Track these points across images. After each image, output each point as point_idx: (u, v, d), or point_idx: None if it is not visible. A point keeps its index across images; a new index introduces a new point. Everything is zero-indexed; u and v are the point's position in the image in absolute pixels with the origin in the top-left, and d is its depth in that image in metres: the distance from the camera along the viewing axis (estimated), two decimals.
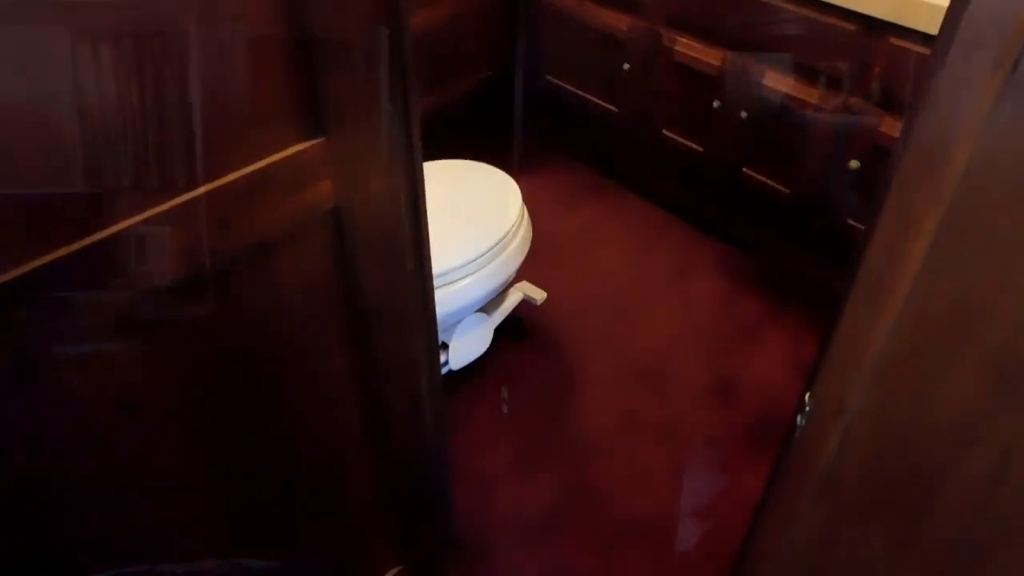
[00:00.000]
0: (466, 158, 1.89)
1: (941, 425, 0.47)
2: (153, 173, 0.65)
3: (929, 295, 0.44)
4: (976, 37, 0.35)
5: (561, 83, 2.34)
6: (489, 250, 1.50)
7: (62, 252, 0.61)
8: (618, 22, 2.05)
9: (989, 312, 0.42)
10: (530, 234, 1.65)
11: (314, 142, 0.74)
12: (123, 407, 0.74)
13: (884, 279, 0.45)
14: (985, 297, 0.42)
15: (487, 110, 2.56)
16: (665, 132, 2.12)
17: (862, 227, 1.75)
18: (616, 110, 2.21)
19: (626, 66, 2.09)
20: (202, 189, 0.68)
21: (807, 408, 0.58)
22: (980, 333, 0.44)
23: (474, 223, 1.54)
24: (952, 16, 0.36)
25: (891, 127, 1.62)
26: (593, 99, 2.27)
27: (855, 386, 0.51)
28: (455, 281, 1.48)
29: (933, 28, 1.46)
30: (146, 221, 0.66)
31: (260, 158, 0.71)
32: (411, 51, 0.78)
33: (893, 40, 1.54)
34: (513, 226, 1.56)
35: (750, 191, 2.00)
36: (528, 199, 1.65)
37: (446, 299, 1.47)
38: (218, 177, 0.69)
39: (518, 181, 1.67)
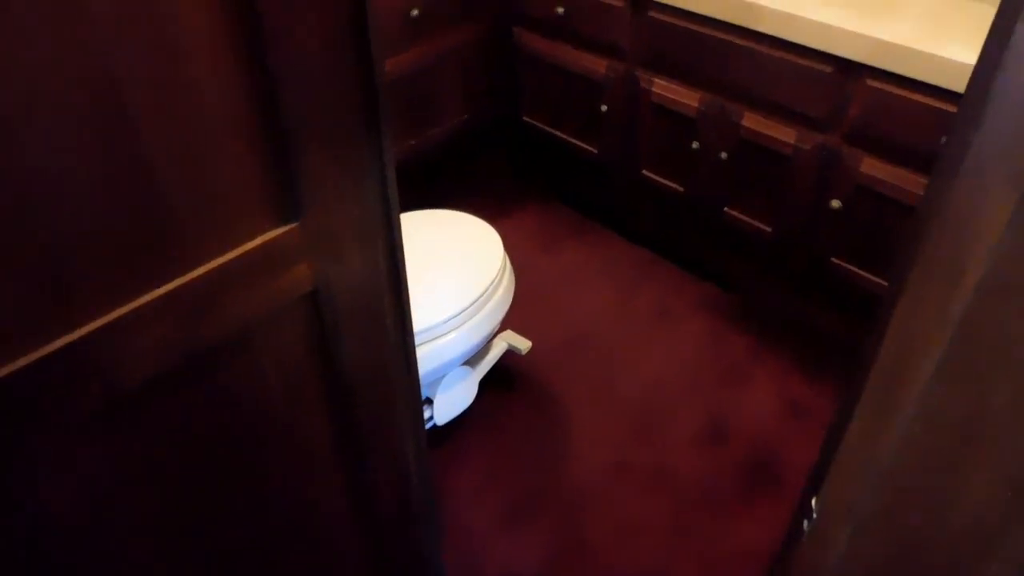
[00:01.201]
0: (444, 202, 1.87)
1: (953, 536, 0.45)
2: (121, 270, 0.62)
3: (941, 407, 0.42)
4: (989, 160, 0.33)
5: (540, 124, 2.33)
6: (472, 303, 1.48)
7: (31, 358, 0.58)
8: (595, 65, 2.05)
9: (1004, 425, 0.41)
10: (513, 284, 1.62)
11: (289, 227, 0.71)
12: (98, 504, 0.70)
13: (892, 390, 0.43)
14: (1000, 410, 0.40)
15: (465, 153, 2.54)
16: (645, 172, 2.11)
17: (847, 268, 1.75)
18: (596, 151, 2.21)
19: (604, 108, 2.08)
20: (174, 283, 0.65)
21: (814, 513, 0.55)
22: (995, 445, 0.42)
23: (456, 276, 1.51)
24: (961, 134, 0.35)
25: (871, 167, 1.62)
26: (572, 140, 2.26)
27: (863, 493, 0.48)
28: (439, 337, 1.45)
29: (908, 70, 1.47)
30: (116, 320, 0.62)
31: (233, 248, 0.68)
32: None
33: (869, 82, 1.55)
34: (496, 277, 1.53)
35: (732, 230, 2.00)
36: (509, 240, 1.63)
37: (430, 355, 1.44)
38: (190, 270, 0.66)
39: (498, 222, 1.65)
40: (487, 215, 2.38)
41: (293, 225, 0.71)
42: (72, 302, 0.60)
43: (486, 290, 1.50)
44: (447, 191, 2.50)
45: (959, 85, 1.41)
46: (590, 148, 2.22)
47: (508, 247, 1.62)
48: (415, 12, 2.00)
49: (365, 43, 0.70)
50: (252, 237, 0.69)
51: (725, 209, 1.97)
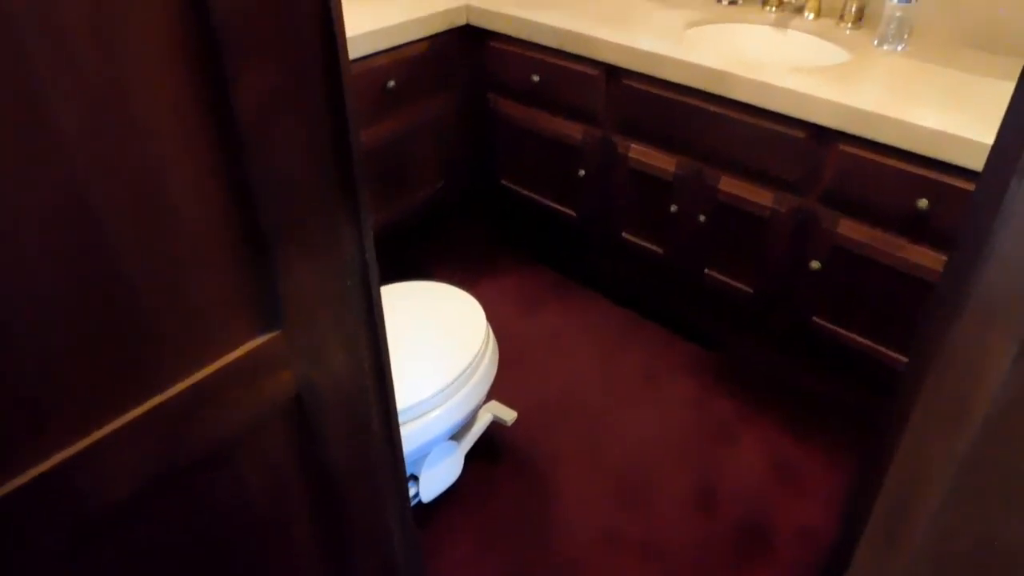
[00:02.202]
0: (425, 268, 1.86)
1: None
2: (98, 392, 0.60)
3: (950, 535, 0.41)
4: (992, 303, 0.33)
5: (518, 188, 2.35)
6: (457, 378, 1.46)
7: (6, 489, 0.56)
8: (571, 130, 2.07)
9: (1017, 552, 0.40)
10: (497, 355, 1.61)
11: (271, 335, 0.70)
12: None
13: (898, 523, 0.42)
14: (1012, 538, 0.39)
15: (444, 218, 2.55)
16: (625, 235, 2.12)
17: (829, 327, 1.76)
18: (575, 214, 2.22)
19: (582, 172, 2.10)
20: (152, 402, 0.63)
21: None
22: (1009, 572, 0.40)
23: (439, 350, 1.50)
24: (959, 279, 0.34)
25: (848, 229, 1.64)
26: (551, 204, 2.27)
27: None
28: (424, 414, 1.42)
29: (878, 136, 1.49)
30: (92, 445, 0.60)
31: (214, 361, 0.67)
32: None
33: (842, 146, 1.57)
34: (480, 350, 1.52)
35: (714, 291, 2.00)
36: (491, 303, 1.62)
37: (415, 434, 1.42)
38: (170, 387, 0.64)
39: (479, 286, 1.64)
40: (468, 279, 2.38)
41: (275, 333, 0.70)
42: (46, 429, 0.58)
43: (470, 364, 1.49)
44: (427, 257, 2.49)
45: (928, 149, 1.44)
46: (569, 211, 2.23)
47: (490, 311, 1.61)
48: (391, 83, 2.01)
49: (346, 147, 0.70)
50: (233, 348, 0.68)
51: (706, 271, 1.98)
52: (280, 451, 0.78)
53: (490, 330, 1.60)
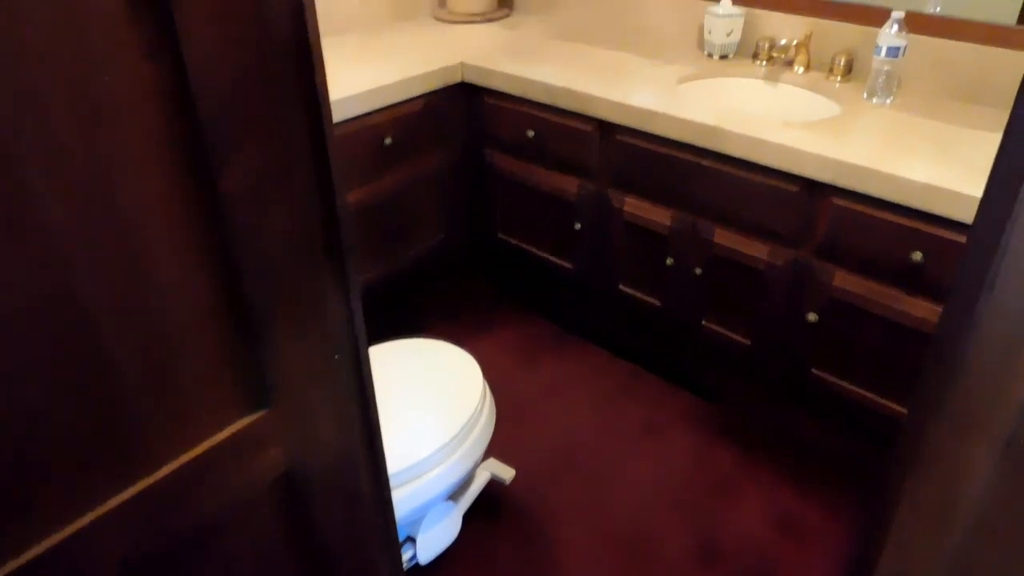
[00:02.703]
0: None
1: None
2: (83, 478, 0.59)
3: None
4: (970, 409, 0.33)
5: (515, 242, 2.36)
6: (453, 438, 1.44)
7: None
8: (567, 184, 2.09)
9: None
10: (494, 413, 1.60)
11: (259, 414, 0.70)
12: None
13: None
14: None
15: (441, 271, 2.56)
16: (622, 287, 2.12)
17: (828, 378, 1.75)
18: (571, 267, 2.22)
19: (578, 225, 2.11)
20: (139, 486, 0.63)
21: None
22: None
23: (435, 409, 1.49)
24: (937, 381, 0.34)
25: (844, 281, 1.64)
26: (548, 257, 2.28)
27: None
28: (420, 476, 1.41)
29: (870, 189, 1.50)
30: (77, 532, 0.59)
31: (202, 441, 0.66)
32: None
33: (836, 200, 1.58)
34: (476, 408, 1.51)
35: (712, 342, 2.00)
36: (489, 356, 1.62)
37: (411, 495, 1.40)
38: (157, 470, 0.64)
39: (477, 338, 1.63)
40: (466, 332, 2.38)
41: (263, 412, 0.70)
42: (29, 518, 0.57)
43: (467, 423, 1.48)
44: (426, 310, 2.49)
45: (919, 203, 1.45)
46: (566, 264, 2.24)
47: (488, 364, 1.60)
48: (388, 140, 2.04)
49: (334, 223, 0.70)
50: (221, 428, 0.67)
51: (703, 322, 1.98)
52: (269, 529, 0.77)
53: (487, 387, 1.59)
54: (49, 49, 0.47)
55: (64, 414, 0.57)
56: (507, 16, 2.64)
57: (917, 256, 1.49)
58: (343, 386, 0.78)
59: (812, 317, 1.72)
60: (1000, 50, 1.74)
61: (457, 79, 2.17)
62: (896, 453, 0.45)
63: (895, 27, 1.76)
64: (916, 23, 1.82)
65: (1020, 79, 0.54)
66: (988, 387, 0.32)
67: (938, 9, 1.83)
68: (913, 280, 1.54)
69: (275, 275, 0.66)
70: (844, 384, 1.76)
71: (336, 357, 0.76)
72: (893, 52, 1.78)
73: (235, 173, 0.59)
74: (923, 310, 1.54)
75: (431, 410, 1.49)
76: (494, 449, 1.82)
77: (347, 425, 0.80)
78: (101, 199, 0.53)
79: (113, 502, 0.61)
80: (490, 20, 2.57)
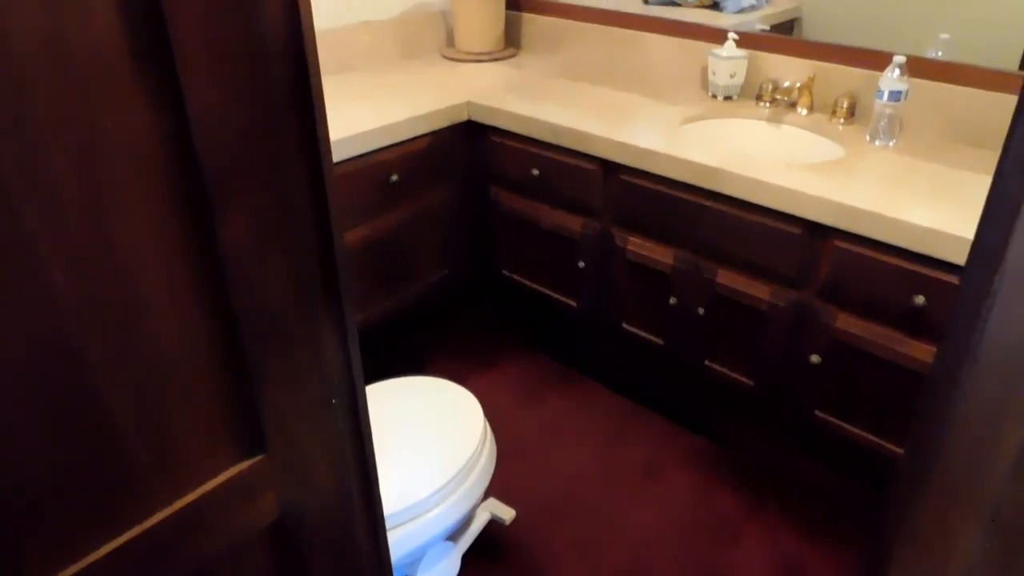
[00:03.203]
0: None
1: None
2: (75, 526, 0.59)
3: None
4: (954, 484, 0.33)
5: (519, 278, 2.36)
6: (453, 478, 1.44)
7: None
8: (570, 223, 2.10)
9: None
10: (495, 452, 1.59)
11: (254, 460, 0.70)
12: None
13: None
14: None
15: (445, 307, 2.56)
16: (625, 326, 2.12)
17: (831, 420, 1.73)
18: (575, 304, 2.23)
19: (581, 263, 2.12)
20: (131, 534, 0.63)
21: None
22: None
23: (435, 449, 1.48)
24: (922, 453, 0.34)
25: (846, 323, 1.63)
26: (551, 294, 2.28)
27: None
28: (419, 516, 1.40)
29: (872, 233, 1.50)
30: None
31: (195, 488, 0.66)
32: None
33: (837, 243, 1.58)
34: (477, 448, 1.50)
35: (715, 382, 1.99)
36: (491, 393, 1.61)
37: (410, 536, 1.39)
38: (149, 517, 0.64)
39: (480, 374, 1.63)
40: (468, 368, 2.38)
41: (258, 457, 0.70)
42: (20, 566, 0.57)
43: (467, 462, 1.47)
44: (429, 345, 2.49)
45: (921, 247, 1.45)
46: (569, 302, 2.24)
47: (489, 401, 1.60)
48: (394, 177, 2.06)
49: (332, 268, 0.71)
50: (215, 475, 0.67)
51: (706, 362, 1.97)
52: (262, 574, 0.77)
53: (488, 426, 1.58)
54: (53, 101, 0.48)
55: (56, 461, 0.57)
56: (514, 55, 2.67)
57: (919, 300, 1.49)
58: (339, 431, 0.78)
59: (815, 359, 1.71)
60: (1002, 95, 1.75)
61: (463, 117, 2.19)
62: (885, 525, 0.45)
63: (897, 71, 1.78)
64: (918, 68, 1.84)
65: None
66: (972, 458, 0.32)
67: (940, 54, 1.85)
68: (915, 323, 1.53)
69: (272, 321, 0.67)
70: (847, 426, 1.75)
71: (333, 402, 0.76)
72: (895, 96, 1.79)
73: (234, 223, 0.60)
74: (925, 353, 1.53)
75: (431, 449, 1.48)
76: (494, 488, 1.80)
77: (342, 470, 0.80)
78: (101, 255, 0.53)
79: (105, 549, 0.61)
80: (497, 59, 2.61)
